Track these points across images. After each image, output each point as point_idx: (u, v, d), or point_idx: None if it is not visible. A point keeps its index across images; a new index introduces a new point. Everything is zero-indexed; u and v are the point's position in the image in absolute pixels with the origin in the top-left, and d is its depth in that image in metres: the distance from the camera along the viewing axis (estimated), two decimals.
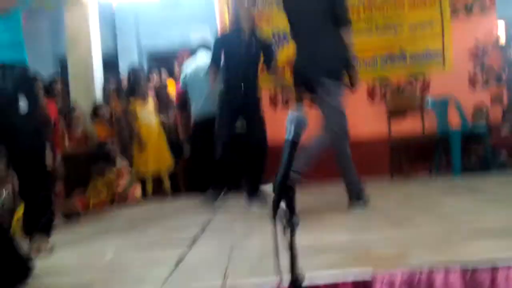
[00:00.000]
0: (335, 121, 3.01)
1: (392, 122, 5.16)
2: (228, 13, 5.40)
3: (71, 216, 3.58)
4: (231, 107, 3.63)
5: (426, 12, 5.27)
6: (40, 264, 1.94)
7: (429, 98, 5.15)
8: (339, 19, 2.96)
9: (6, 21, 2.29)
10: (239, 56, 3.56)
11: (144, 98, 5.12)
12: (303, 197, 1.42)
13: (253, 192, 3.69)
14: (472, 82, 5.23)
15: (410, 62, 5.33)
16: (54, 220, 2.62)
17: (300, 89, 3.24)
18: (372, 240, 2.08)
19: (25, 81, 2.34)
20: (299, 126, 1.25)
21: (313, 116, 3.27)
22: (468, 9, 5.29)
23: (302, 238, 1.18)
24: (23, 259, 1.79)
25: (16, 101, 2.28)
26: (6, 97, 2.27)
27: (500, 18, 5.76)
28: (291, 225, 1.23)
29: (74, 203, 3.89)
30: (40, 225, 2.40)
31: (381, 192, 3.68)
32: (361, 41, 5.27)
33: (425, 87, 5.32)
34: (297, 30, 3.10)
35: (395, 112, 5.23)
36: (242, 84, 3.60)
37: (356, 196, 2.97)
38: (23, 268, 1.74)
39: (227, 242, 2.28)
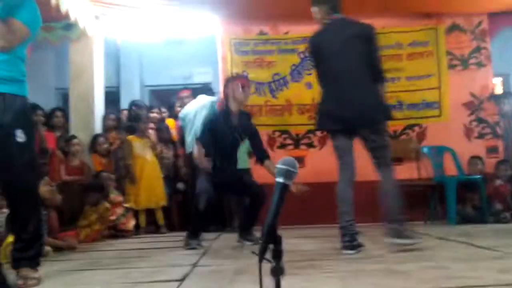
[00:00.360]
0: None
1: None
2: (231, 57, 5.55)
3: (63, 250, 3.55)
4: (219, 180, 3.68)
5: (424, 65, 5.42)
6: None
7: (425, 147, 5.22)
8: (378, 72, 3.20)
9: (12, 55, 2.33)
10: (226, 138, 3.75)
11: (142, 133, 5.17)
12: None
13: (246, 232, 3.70)
14: (468, 133, 5.32)
15: (407, 112, 5.43)
16: (42, 252, 2.60)
17: (333, 130, 3.30)
18: None
19: (24, 113, 2.36)
20: (291, 170, 1.27)
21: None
22: (465, 64, 5.43)
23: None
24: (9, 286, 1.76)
25: (13, 132, 2.30)
26: (5, 127, 2.28)
27: (497, 74, 5.92)
28: (277, 270, 1.24)
29: (68, 239, 3.84)
30: (28, 257, 2.37)
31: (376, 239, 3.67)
32: None
33: (422, 136, 5.39)
34: (336, 78, 3.20)
35: (391, 159, 5.26)
36: (228, 163, 3.83)
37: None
38: None
39: (215, 283, 2.25)
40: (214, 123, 3.83)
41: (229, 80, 3.94)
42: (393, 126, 5.44)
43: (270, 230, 1.25)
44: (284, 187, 1.27)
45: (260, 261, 1.23)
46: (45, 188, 3.94)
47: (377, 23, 5.52)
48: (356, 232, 3.15)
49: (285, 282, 2.16)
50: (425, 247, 3.21)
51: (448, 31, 5.50)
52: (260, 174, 5.15)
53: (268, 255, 1.26)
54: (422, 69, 5.45)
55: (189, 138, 5.12)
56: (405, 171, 5.24)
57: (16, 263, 2.36)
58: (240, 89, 3.78)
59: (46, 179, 4.09)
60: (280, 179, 1.27)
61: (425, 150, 5.20)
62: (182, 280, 2.35)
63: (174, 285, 2.22)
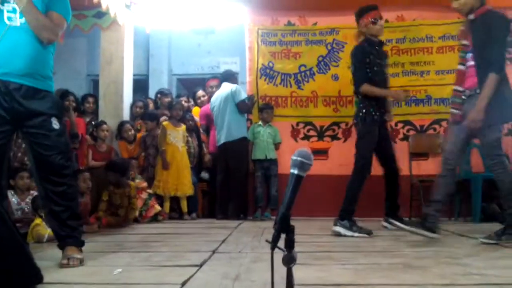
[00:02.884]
0: None
1: (414, 163, 5.16)
2: (258, 48, 5.57)
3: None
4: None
5: (454, 59, 5.25)
6: (47, 277, 1.99)
7: None
8: None
9: (47, 50, 2.44)
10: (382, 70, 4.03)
11: (176, 120, 5.25)
12: None
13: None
14: None
15: (435, 106, 5.34)
16: (83, 232, 2.72)
17: None
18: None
19: (57, 104, 2.53)
20: (306, 162, 1.29)
21: None
22: None
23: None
24: (34, 268, 1.85)
25: (50, 119, 2.42)
26: (43, 115, 2.41)
27: None
28: (289, 259, 1.27)
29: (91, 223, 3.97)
30: (73, 236, 2.49)
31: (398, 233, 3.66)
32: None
33: None
34: None
35: (417, 154, 5.23)
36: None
37: None
38: (33, 276, 1.80)
39: (232, 270, 2.30)
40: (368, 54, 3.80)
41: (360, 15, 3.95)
42: (420, 120, 5.38)
43: (283, 219, 1.28)
44: (298, 179, 1.29)
45: (273, 249, 1.26)
46: (84, 184, 4.10)
47: (408, 15, 5.49)
48: None
49: (300, 271, 2.22)
50: (446, 243, 3.19)
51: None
52: (286, 165, 5.22)
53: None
54: (452, 63, 5.30)
55: (218, 132, 5.20)
56: (431, 167, 5.19)
57: (63, 242, 2.47)
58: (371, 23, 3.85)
59: (85, 175, 4.24)
60: (294, 171, 1.29)
61: None
62: (200, 265, 2.41)
63: (193, 270, 2.28)
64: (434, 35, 5.38)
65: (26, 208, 3.86)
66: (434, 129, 5.36)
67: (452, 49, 5.35)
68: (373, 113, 3.73)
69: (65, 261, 2.39)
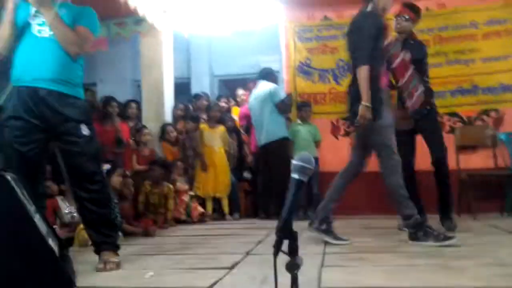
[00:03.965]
0: None
1: (461, 157, 4.93)
2: (294, 45, 5.52)
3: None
4: None
5: (501, 45, 5.03)
6: (83, 281, 2.07)
7: (502, 134, 4.87)
8: None
9: (78, 62, 2.52)
10: None
11: (213, 122, 5.31)
12: None
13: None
14: None
15: (482, 96, 5.09)
16: (119, 237, 2.81)
17: None
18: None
19: (86, 111, 2.58)
20: (306, 166, 1.26)
21: None
22: None
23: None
24: (64, 275, 1.92)
25: (79, 125, 2.49)
26: (72, 121, 2.48)
27: None
28: (292, 266, 1.25)
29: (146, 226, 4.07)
30: (110, 241, 2.58)
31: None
32: (430, 73, 5.16)
33: (499, 122, 5.03)
34: None
35: (465, 147, 5.00)
36: None
37: None
38: (62, 283, 1.86)
39: (261, 273, 2.30)
40: None
41: None
42: (467, 111, 5.15)
43: (285, 225, 1.26)
44: (299, 183, 1.27)
45: (275, 255, 1.25)
46: (117, 179, 4.23)
47: (450, 2, 5.27)
48: None
49: (327, 273, 2.19)
50: (491, 241, 3.04)
51: None
52: (326, 163, 5.16)
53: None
54: (500, 49, 5.05)
55: (257, 133, 5.22)
56: (480, 160, 4.96)
57: (98, 247, 2.56)
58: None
59: (119, 170, 4.38)
60: (295, 175, 1.27)
61: (502, 137, 4.84)
62: (231, 268, 2.43)
63: (223, 273, 2.30)
64: (478, 21, 5.12)
65: (75, 213, 4.03)
66: (483, 120, 5.09)
67: (499, 34, 5.08)
68: None
69: (101, 265, 2.48)
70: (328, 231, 3.15)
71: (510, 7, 5.07)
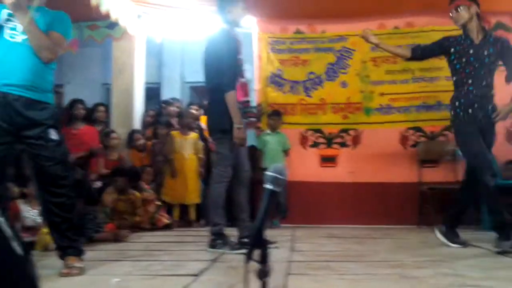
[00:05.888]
0: None
1: (424, 170, 5.11)
2: (267, 56, 5.60)
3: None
4: None
5: None
6: (46, 286, 2.04)
7: None
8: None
9: (47, 66, 2.51)
10: None
11: (185, 129, 5.30)
12: None
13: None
14: (509, 137, 5.11)
15: (446, 113, 5.26)
16: (84, 242, 2.78)
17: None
18: None
19: (55, 117, 2.57)
20: (279, 177, 1.31)
21: None
22: None
23: None
24: (32, 279, 1.89)
25: (48, 130, 2.48)
26: (41, 126, 2.46)
27: None
28: (262, 273, 1.28)
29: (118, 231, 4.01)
30: (74, 246, 2.54)
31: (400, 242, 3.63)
32: (396, 89, 5.37)
33: None
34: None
35: (427, 161, 5.18)
36: None
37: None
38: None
39: (228, 280, 2.32)
40: None
41: None
42: (431, 127, 5.33)
43: (257, 234, 1.30)
44: (273, 194, 1.31)
45: (247, 262, 1.28)
46: (108, 197, 4.18)
47: (419, 21, 5.46)
48: None
49: (293, 281, 2.24)
50: (449, 252, 3.16)
51: (492, 30, 5.27)
52: (294, 173, 5.22)
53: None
54: None
55: None
56: (441, 174, 5.14)
57: (62, 252, 2.53)
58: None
59: (110, 188, 4.32)
60: (269, 186, 1.31)
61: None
62: (198, 275, 2.45)
63: (189, 280, 2.32)
64: None
65: (37, 217, 3.95)
66: (445, 136, 5.29)
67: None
68: None
69: (65, 270, 2.45)
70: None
71: None
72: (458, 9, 3.32)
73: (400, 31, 5.46)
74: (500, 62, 3.39)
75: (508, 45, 3.35)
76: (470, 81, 3.32)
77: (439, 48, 3.57)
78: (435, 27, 5.39)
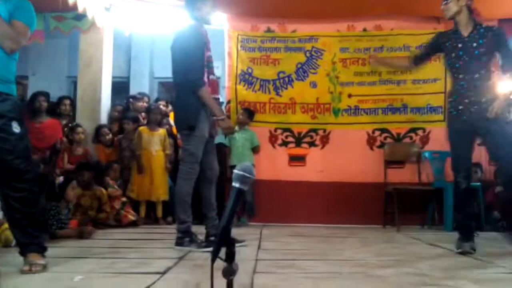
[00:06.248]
0: None
1: (389, 171, 5.22)
2: (237, 53, 5.59)
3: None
4: None
5: (430, 69, 5.37)
6: (6, 283, 1.98)
7: (427, 152, 5.20)
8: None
9: (10, 56, 2.42)
10: None
11: (153, 125, 5.23)
12: None
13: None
14: None
15: (411, 115, 5.41)
16: (46, 239, 2.70)
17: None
18: None
19: (18, 109, 2.48)
20: (247, 176, 1.30)
21: None
22: None
23: None
24: None
25: (10, 122, 2.39)
26: (3, 118, 2.38)
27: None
28: (228, 271, 1.28)
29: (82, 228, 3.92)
30: (36, 243, 2.46)
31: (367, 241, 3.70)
32: (364, 91, 5.45)
33: (425, 140, 5.37)
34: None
35: (393, 162, 5.29)
36: None
37: None
38: None
39: (194, 278, 2.31)
40: None
41: None
42: (397, 128, 5.44)
43: (224, 232, 1.29)
44: (240, 192, 1.31)
45: (213, 261, 1.27)
46: (71, 193, 4.08)
47: (386, 24, 5.55)
48: None
49: (259, 280, 2.24)
50: (412, 252, 3.23)
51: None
52: (262, 171, 5.25)
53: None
54: (429, 73, 5.39)
55: None
56: (406, 175, 5.27)
57: (24, 249, 2.45)
58: None
59: (73, 183, 4.21)
60: (236, 184, 1.31)
61: (426, 154, 5.17)
62: (163, 273, 2.42)
63: (155, 278, 2.29)
64: (411, 45, 5.44)
65: None
66: (410, 138, 5.41)
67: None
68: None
69: (26, 267, 2.38)
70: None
71: None
72: (447, 1, 3.23)
73: (368, 33, 5.55)
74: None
75: (499, 33, 3.25)
76: (461, 76, 3.23)
77: (432, 48, 3.53)
78: (402, 31, 5.52)
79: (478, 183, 4.80)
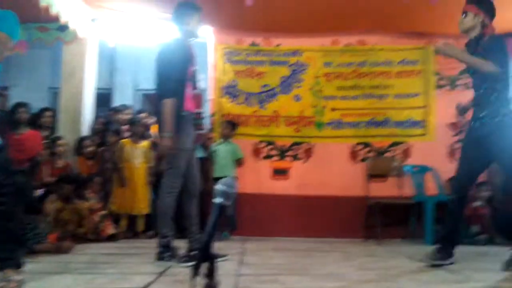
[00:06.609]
0: None
1: (371, 185, 5.25)
2: (222, 66, 5.61)
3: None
4: None
5: (412, 83, 5.47)
6: None
7: (408, 166, 5.26)
8: None
9: None
10: None
11: (137, 137, 5.19)
12: None
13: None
14: (451, 153, 5.34)
15: (393, 129, 5.47)
16: (24, 253, 2.63)
17: None
18: None
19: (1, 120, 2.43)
20: (229, 191, 1.30)
21: None
22: (452, 85, 5.48)
23: None
24: None
25: None
26: None
27: None
28: (209, 287, 1.27)
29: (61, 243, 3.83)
30: (12, 257, 2.40)
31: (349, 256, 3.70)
32: (347, 105, 5.51)
33: (406, 154, 5.43)
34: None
35: (375, 175, 5.33)
36: None
37: None
38: None
39: None
40: None
41: None
42: (379, 142, 5.49)
43: (205, 247, 1.28)
44: (222, 208, 1.31)
45: (193, 277, 1.26)
46: (52, 206, 3.99)
47: (369, 40, 5.63)
48: None
49: None
50: (394, 266, 3.24)
51: (437, 51, 5.53)
52: (245, 184, 5.24)
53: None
54: (410, 87, 5.49)
55: None
56: (387, 189, 5.30)
57: (0, 264, 2.37)
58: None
59: (52, 196, 4.13)
60: (218, 200, 1.30)
61: (407, 168, 5.23)
62: (146, 286, 2.38)
63: None
64: (393, 60, 5.53)
65: None
66: (392, 152, 5.46)
67: (410, 74, 5.51)
68: None
69: (2, 284, 2.32)
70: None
71: (420, 50, 5.54)
72: (465, 15, 3.18)
73: (352, 48, 5.62)
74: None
75: (490, 38, 3.13)
76: (473, 91, 3.25)
77: None
78: (385, 46, 5.61)
79: None
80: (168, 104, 3.16)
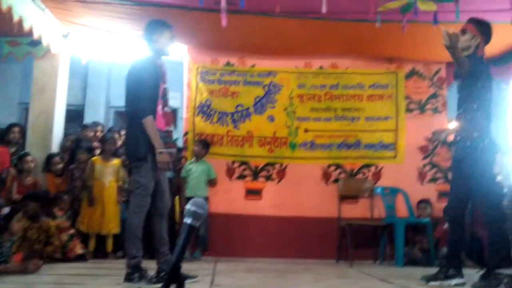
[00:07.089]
0: None
1: (343, 206, 5.30)
2: (196, 85, 5.61)
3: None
4: None
5: (383, 107, 5.60)
6: None
7: (379, 187, 5.34)
8: None
9: None
10: None
11: (107, 155, 5.11)
12: None
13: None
14: (421, 176, 5.46)
15: (364, 151, 5.56)
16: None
17: None
18: None
19: None
20: (199, 212, 1.29)
21: None
22: (422, 109, 5.63)
23: None
24: None
25: None
26: None
27: (452, 121, 6.11)
28: None
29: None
30: None
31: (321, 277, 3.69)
32: (320, 126, 5.58)
33: (377, 176, 5.51)
34: None
35: (347, 197, 5.38)
36: None
37: None
38: None
39: None
40: None
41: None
42: (350, 164, 5.56)
43: (174, 269, 1.26)
44: (191, 228, 1.29)
45: None
46: (19, 225, 3.86)
47: (341, 63, 5.75)
48: None
49: None
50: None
51: (407, 76, 5.69)
52: (218, 204, 5.22)
53: None
54: (381, 110, 5.61)
55: None
56: (359, 210, 5.37)
57: None
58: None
59: (20, 214, 4.00)
60: (188, 220, 1.29)
61: (378, 190, 5.31)
62: None
63: None
64: (364, 83, 5.66)
65: None
66: (363, 173, 5.54)
67: (381, 97, 5.64)
68: None
69: None
70: None
71: (391, 75, 5.69)
72: (463, 33, 3.23)
73: (325, 71, 5.72)
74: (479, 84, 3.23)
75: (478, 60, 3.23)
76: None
77: None
78: (356, 70, 5.74)
79: (427, 219, 4.94)
80: (149, 122, 3.13)
